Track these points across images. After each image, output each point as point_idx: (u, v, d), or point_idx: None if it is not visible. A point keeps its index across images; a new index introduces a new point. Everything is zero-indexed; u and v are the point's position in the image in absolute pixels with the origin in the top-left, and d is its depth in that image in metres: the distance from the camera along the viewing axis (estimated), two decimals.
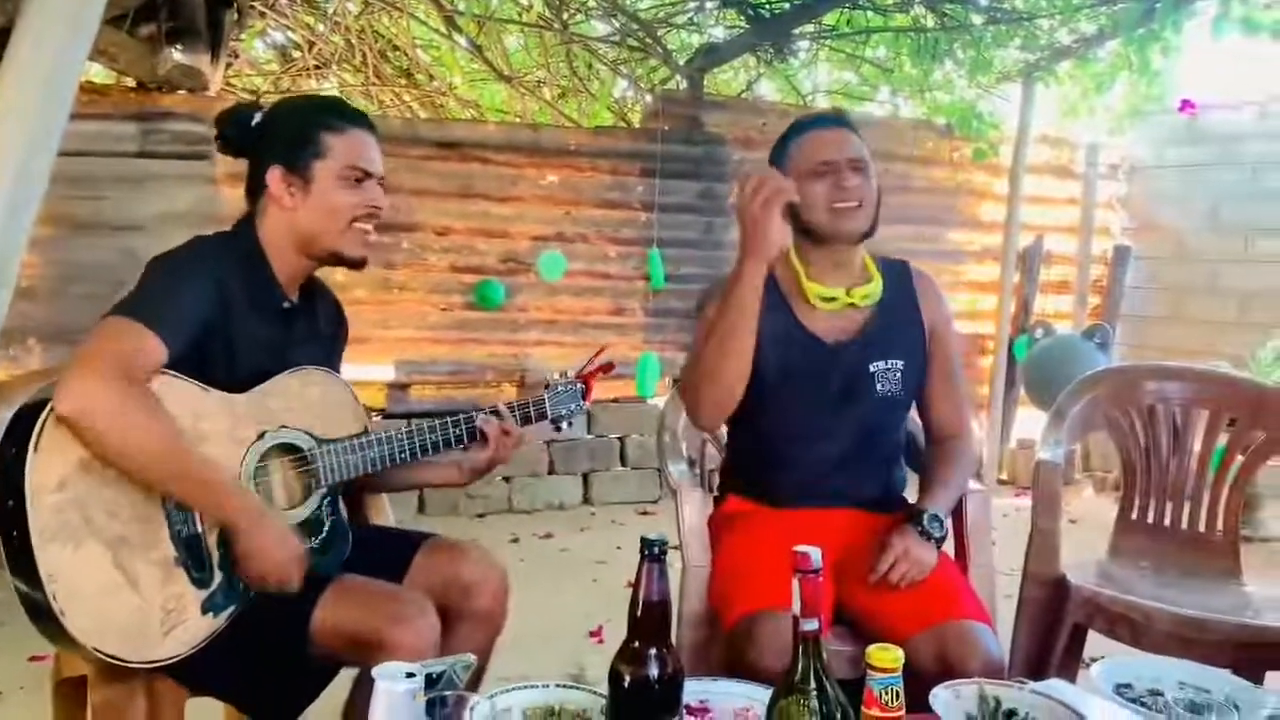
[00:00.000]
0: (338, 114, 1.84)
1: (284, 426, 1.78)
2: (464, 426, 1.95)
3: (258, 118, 1.82)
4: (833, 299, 2.08)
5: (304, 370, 1.83)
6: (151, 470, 1.58)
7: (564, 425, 2.07)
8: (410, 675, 1.26)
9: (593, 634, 3.28)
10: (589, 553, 4.39)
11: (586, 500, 5.48)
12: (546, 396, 2.03)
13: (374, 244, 1.86)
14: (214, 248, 1.76)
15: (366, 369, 5.19)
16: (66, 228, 4.53)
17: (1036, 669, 2.24)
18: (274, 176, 1.77)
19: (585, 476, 5.49)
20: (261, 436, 1.74)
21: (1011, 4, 5.80)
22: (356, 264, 1.85)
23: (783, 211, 1.88)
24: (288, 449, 1.79)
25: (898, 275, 2.17)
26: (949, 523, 2.03)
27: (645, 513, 5.26)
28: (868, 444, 2.12)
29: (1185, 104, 6.57)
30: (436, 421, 1.93)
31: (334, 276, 5.35)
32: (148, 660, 1.58)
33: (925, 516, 1.96)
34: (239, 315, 1.73)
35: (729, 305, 1.92)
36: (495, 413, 1.97)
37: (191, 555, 1.63)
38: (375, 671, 1.26)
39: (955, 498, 2.09)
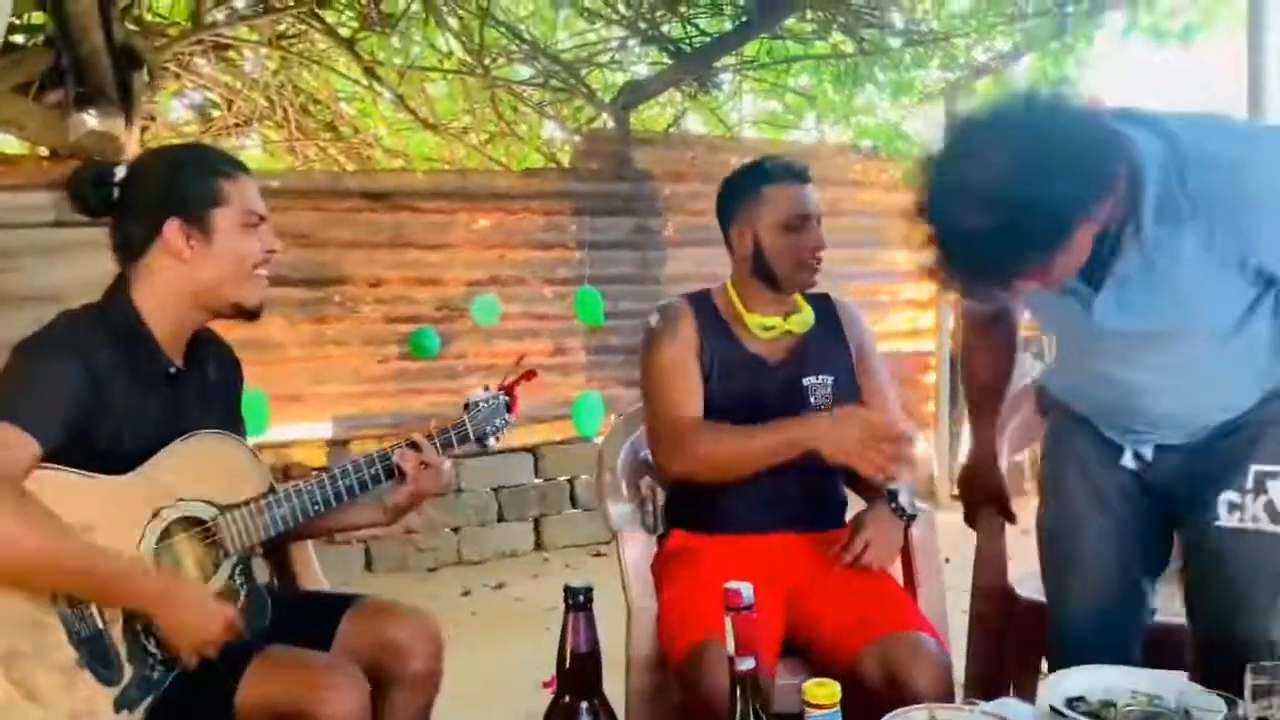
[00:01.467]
0: (225, 161, 1.77)
1: (180, 499, 1.67)
2: (379, 465, 1.85)
3: (120, 173, 1.71)
4: (772, 327, 2.19)
5: (195, 437, 1.72)
6: (39, 576, 1.49)
7: (490, 443, 1.98)
8: None
9: (546, 684, 3.20)
10: (542, 600, 4.30)
11: (539, 546, 5.40)
12: (466, 417, 1.95)
13: (268, 292, 1.79)
14: (80, 323, 1.65)
15: (304, 427, 5.08)
16: None
17: (992, 686, 2.20)
18: (172, 228, 1.66)
19: (536, 521, 5.41)
20: (157, 514, 1.63)
21: (928, 26, 5.90)
22: (254, 314, 1.77)
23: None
24: (190, 522, 1.69)
25: (823, 305, 2.32)
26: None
27: (599, 554, 5.18)
28: (803, 459, 2.07)
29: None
30: (349, 464, 1.84)
31: (268, 333, 5.24)
32: None
33: (897, 493, 2.02)
34: (118, 390, 1.61)
35: (767, 452, 1.99)
36: (412, 445, 1.88)
37: (95, 654, 1.54)
38: None
39: (914, 484, 2.15)
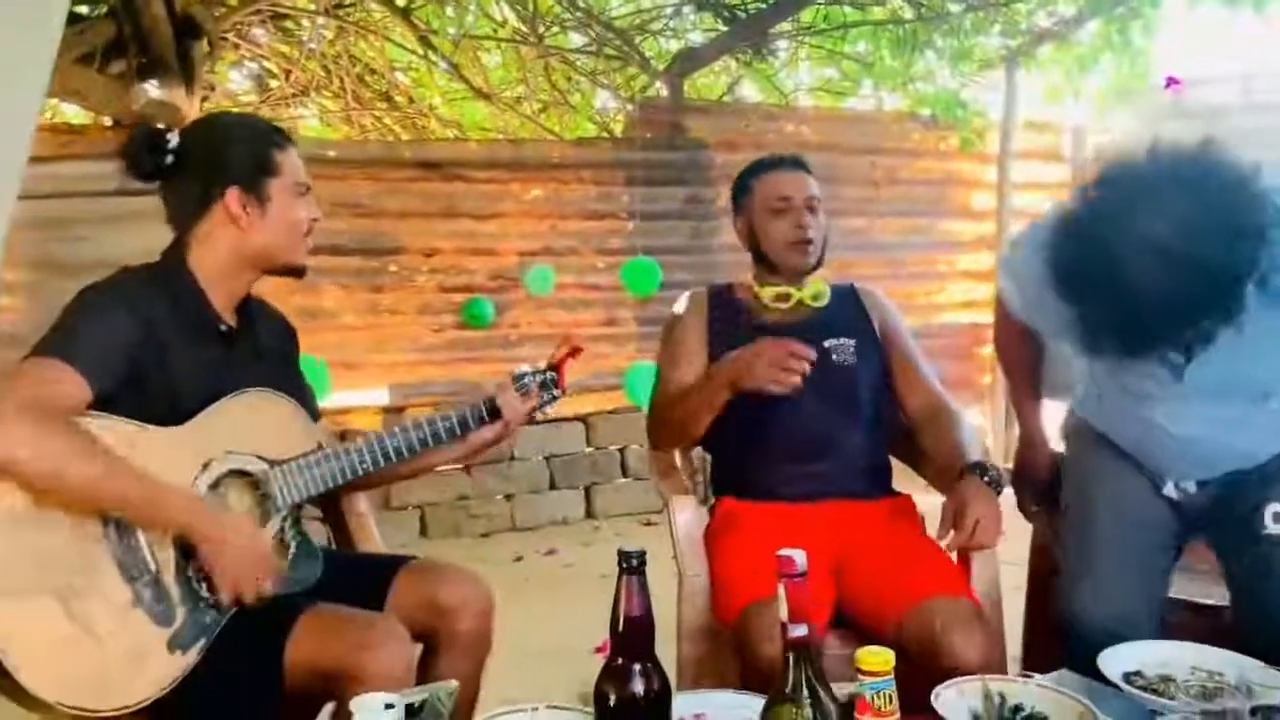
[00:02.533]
0: (276, 131, 1.83)
1: (230, 452, 1.71)
2: (427, 429, 1.90)
3: (174, 140, 1.75)
4: (786, 296, 2.27)
5: (245, 394, 1.76)
6: (92, 499, 1.53)
7: (539, 414, 2.03)
8: (389, 706, 1.21)
9: (599, 649, 3.22)
10: (593, 567, 4.33)
11: (590, 514, 5.43)
12: (512, 384, 1.99)
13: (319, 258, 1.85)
14: (139, 279, 1.71)
15: (360, 394, 5.16)
16: (48, 271, 4.49)
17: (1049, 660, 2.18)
18: (232, 196, 1.72)
19: (587, 490, 5.45)
20: (207, 466, 1.68)
21: None
22: (302, 271, 1.85)
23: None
24: (239, 475, 1.74)
25: (845, 292, 2.38)
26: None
27: (650, 523, 5.20)
28: (837, 417, 2.18)
29: (1170, 80, 6.52)
30: (402, 426, 1.88)
31: (323, 303, 5.32)
32: (118, 707, 1.52)
33: (985, 465, 1.98)
34: (172, 346, 1.67)
35: (703, 402, 2.11)
36: (482, 410, 1.96)
37: (149, 593, 1.58)
38: (353, 704, 1.21)
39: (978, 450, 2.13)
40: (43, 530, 1.51)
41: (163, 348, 1.65)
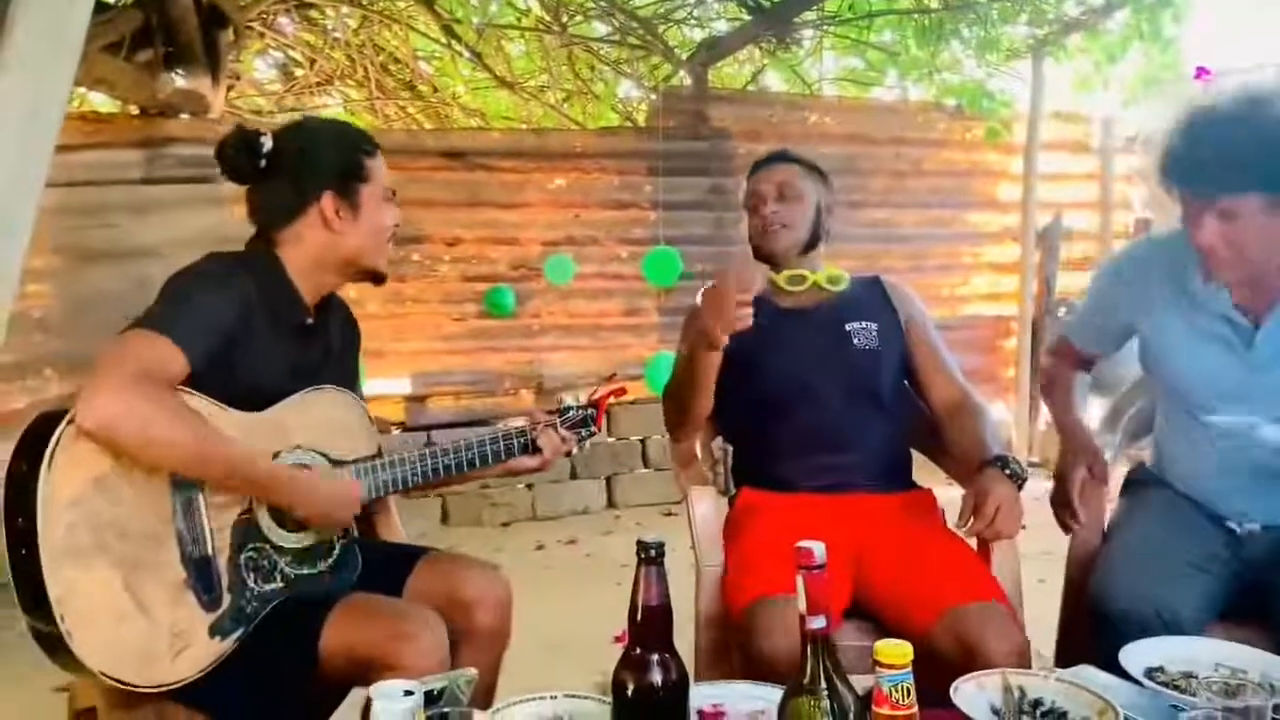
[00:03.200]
0: (367, 139, 1.88)
1: (298, 446, 1.76)
2: (475, 451, 1.94)
3: (268, 143, 1.80)
4: (802, 279, 2.28)
5: (321, 390, 1.82)
6: (185, 467, 1.58)
7: (574, 450, 2.07)
8: (409, 693, 1.22)
9: (618, 639, 3.23)
10: (614, 556, 4.34)
11: (610, 504, 5.44)
12: (558, 421, 2.03)
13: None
14: (234, 263, 1.75)
15: (383, 383, 5.18)
16: (77, 258, 4.55)
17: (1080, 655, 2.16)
18: (328, 201, 1.78)
19: (608, 480, 5.46)
20: (276, 456, 1.72)
21: None
22: (383, 278, 1.92)
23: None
24: (299, 470, 1.76)
25: (869, 283, 2.37)
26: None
27: (670, 514, 5.21)
28: (859, 404, 2.17)
29: (1200, 70, 6.43)
30: (454, 444, 1.92)
31: (347, 292, 5.37)
32: (156, 684, 1.55)
33: (1007, 458, 1.98)
34: (261, 332, 1.72)
35: (686, 372, 2.11)
36: (529, 438, 1.99)
37: (201, 577, 1.61)
38: (372, 690, 1.22)
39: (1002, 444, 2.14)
40: (120, 501, 1.54)
41: (252, 333, 1.70)
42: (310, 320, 1.84)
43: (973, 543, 2.05)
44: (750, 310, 1.96)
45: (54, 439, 1.48)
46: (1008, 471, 1.94)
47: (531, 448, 1.99)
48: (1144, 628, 1.75)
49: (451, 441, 1.92)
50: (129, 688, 1.53)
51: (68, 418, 1.49)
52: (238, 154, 1.79)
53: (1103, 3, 5.78)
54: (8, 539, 1.50)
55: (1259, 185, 1.66)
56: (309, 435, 1.78)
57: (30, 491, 1.46)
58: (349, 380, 1.95)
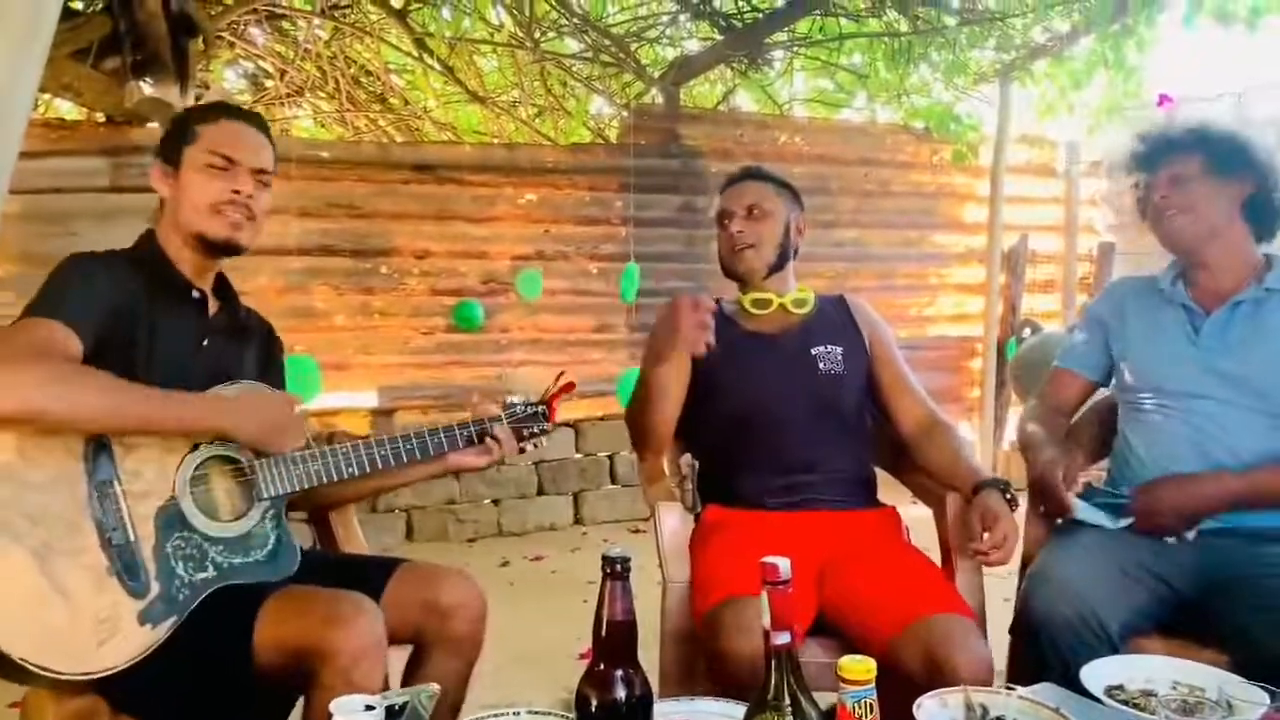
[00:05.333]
0: (219, 109, 1.89)
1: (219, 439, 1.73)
2: (414, 442, 1.91)
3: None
4: (768, 302, 2.29)
5: (239, 384, 1.80)
6: (113, 420, 1.58)
7: (528, 447, 2.04)
8: (370, 708, 1.21)
9: (583, 655, 3.22)
10: (580, 573, 4.33)
11: (578, 520, 5.43)
12: (504, 415, 2.01)
13: (245, 230, 1.84)
14: (114, 252, 1.79)
15: (349, 396, 5.15)
16: (40, 265, 4.40)
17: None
18: (155, 169, 1.83)
19: (575, 496, 5.44)
20: (195, 448, 1.70)
21: (984, 4, 5.79)
22: (224, 247, 1.83)
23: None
24: (226, 461, 1.75)
25: (834, 302, 2.38)
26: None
27: (638, 530, 5.21)
28: (824, 427, 2.18)
29: (1163, 98, 6.55)
30: (391, 437, 1.89)
31: (314, 303, 5.31)
32: (82, 672, 1.51)
33: (1003, 482, 1.99)
34: (151, 304, 1.74)
35: (653, 385, 2.11)
36: (473, 430, 1.98)
37: (125, 564, 1.58)
38: (333, 706, 1.21)
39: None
40: (30, 486, 1.52)
41: (140, 309, 1.72)
42: (199, 291, 1.84)
43: (935, 559, 2.06)
44: (707, 335, 1.97)
45: None
46: (1007, 496, 1.96)
47: (479, 439, 1.97)
48: (1071, 634, 1.79)
49: (388, 435, 1.90)
50: (56, 675, 1.49)
51: None
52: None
53: (1068, 30, 5.88)
54: None
55: (1200, 152, 2.03)
56: None
57: None
58: (271, 377, 1.94)
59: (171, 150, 1.82)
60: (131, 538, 1.60)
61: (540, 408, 2.06)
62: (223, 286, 1.93)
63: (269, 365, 1.99)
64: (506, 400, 2.04)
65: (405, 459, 1.90)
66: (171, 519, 1.65)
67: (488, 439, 1.98)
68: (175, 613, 1.61)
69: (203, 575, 1.66)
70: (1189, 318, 2.10)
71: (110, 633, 1.54)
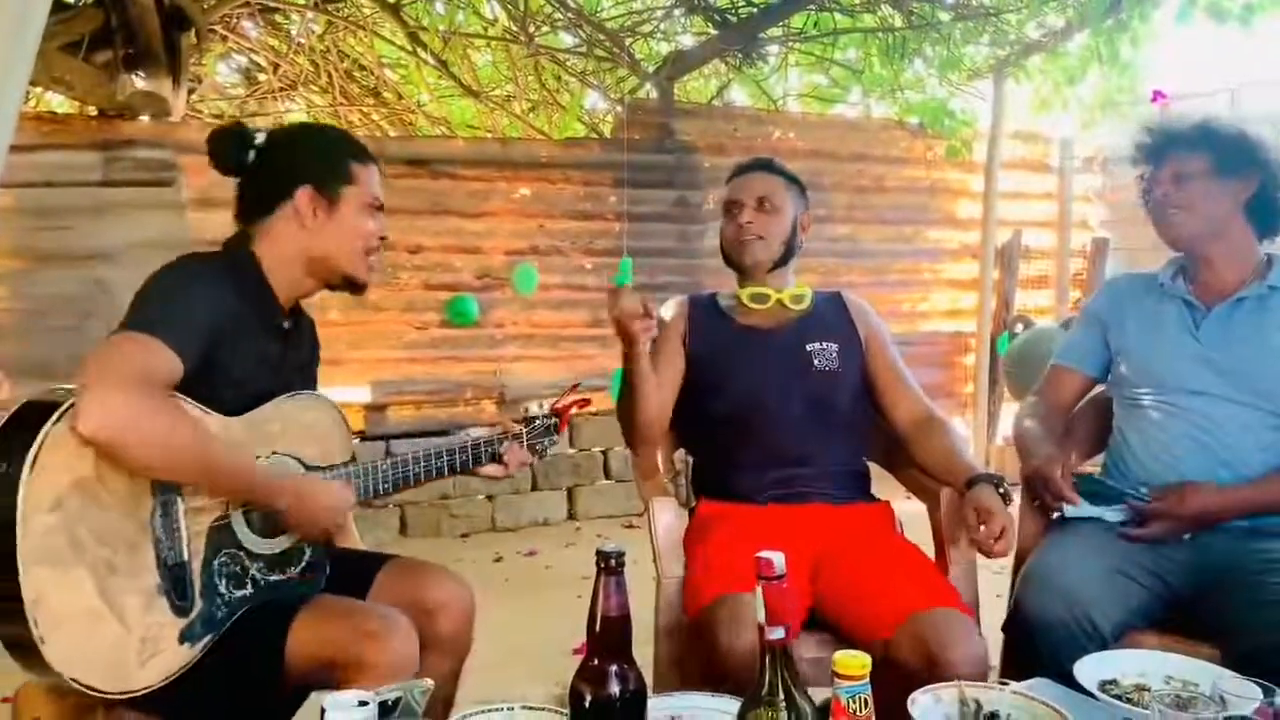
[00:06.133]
0: (361, 148, 1.88)
1: (275, 452, 1.74)
2: (457, 458, 1.95)
3: (261, 138, 1.81)
4: (765, 297, 2.27)
5: (299, 395, 1.81)
6: (184, 476, 1.57)
7: (539, 457, 2.09)
8: (363, 703, 1.21)
9: (577, 650, 3.21)
10: (574, 569, 4.32)
11: (571, 515, 5.42)
12: (525, 431, 2.04)
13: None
14: (214, 263, 1.74)
15: (342, 391, 5.12)
16: (32, 260, 4.47)
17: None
18: (305, 194, 1.76)
19: (569, 491, 5.43)
20: (255, 459, 1.70)
21: (979, 0, 5.80)
22: (362, 287, 1.88)
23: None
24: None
25: (830, 298, 2.37)
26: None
27: (631, 525, 5.20)
28: (818, 423, 2.18)
29: (1157, 94, 6.57)
30: (425, 451, 1.92)
31: (306, 299, 5.30)
32: (124, 691, 1.52)
33: (997, 477, 1.99)
34: (242, 334, 1.70)
35: (629, 382, 2.11)
36: (495, 449, 2.00)
37: (175, 583, 1.58)
38: (325, 701, 1.20)
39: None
40: (99, 504, 1.51)
41: (233, 333, 1.67)
42: (287, 323, 1.83)
43: (928, 554, 2.07)
44: (647, 323, 1.97)
45: (40, 438, 1.44)
46: (1001, 491, 1.96)
47: (498, 458, 2.00)
48: (1064, 634, 1.79)
49: (423, 450, 1.92)
50: (97, 694, 1.49)
51: (55, 416, 1.45)
52: (228, 142, 1.80)
53: (1063, 26, 5.88)
54: None
55: (1205, 149, 2.03)
56: (287, 441, 1.76)
57: (9, 494, 1.42)
58: (313, 386, 1.94)
59: (327, 184, 1.78)
60: (185, 556, 1.60)
61: (554, 420, 2.10)
62: (297, 309, 1.91)
63: (313, 358, 1.99)
64: (526, 411, 2.08)
65: (435, 476, 1.93)
66: (221, 536, 1.66)
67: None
68: (212, 631, 1.63)
69: (241, 593, 1.67)
70: (1190, 313, 2.10)
71: (152, 652, 1.54)
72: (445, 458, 1.93)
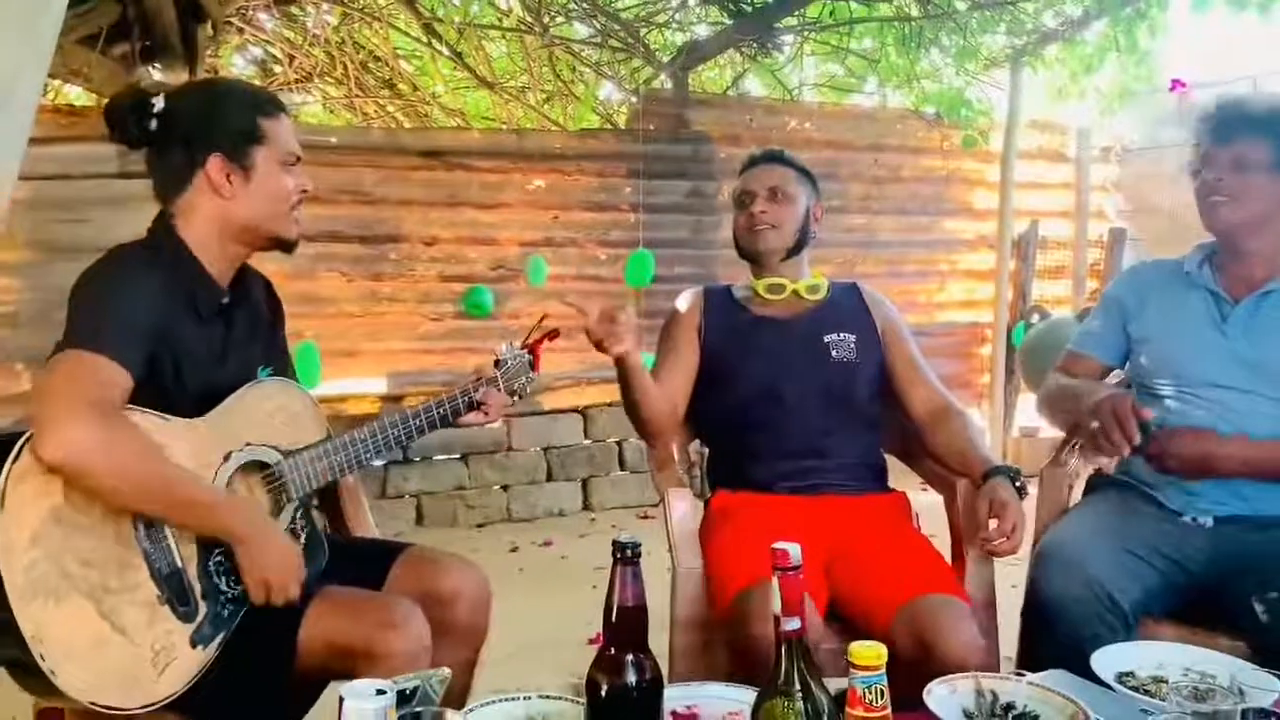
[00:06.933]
0: (265, 99, 1.78)
1: (248, 444, 1.71)
2: (435, 413, 1.91)
3: (159, 104, 1.71)
4: (781, 288, 2.27)
5: (259, 384, 1.77)
6: (147, 502, 1.52)
7: (518, 398, 2.05)
8: (381, 692, 1.21)
9: (592, 641, 3.23)
10: (589, 559, 4.33)
11: (586, 506, 5.43)
12: (499, 374, 1.99)
13: (301, 224, 1.82)
14: (138, 257, 1.66)
15: (358, 382, 5.15)
16: (49, 252, 4.49)
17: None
18: (215, 164, 1.67)
19: (584, 482, 5.45)
20: (227, 458, 1.67)
21: None
22: (292, 245, 1.80)
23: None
24: (256, 466, 1.73)
25: (847, 289, 2.37)
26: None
27: (646, 516, 5.21)
28: (835, 415, 2.18)
29: (1175, 83, 6.52)
30: (402, 414, 1.89)
31: (323, 290, 5.31)
32: (146, 705, 1.52)
33: (1013, 470, 1.98)
34: (179, 320, 1.65)
35: (622, 381, 2.09)
36: (471, 397, 1.96)
37: (174, 590, 1.57)
38: (343, 690, 1.21)
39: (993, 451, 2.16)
40: (80, 530, 1.49)
41: (172, 326, 1.63)
42: (226, 298, 1.76)
43: (945, 545, 2.06)
44: (621, 332, 1.96)
45: (3, 476, 1.41)
46: (1017, 485, 1.95)
47: (476, 405, 1.96)
48: (1082, 609, 1.78)
49: (398, 413, 1.88)
50: (121, 712, 1.49)
51: (13, 454, 1.42)
52: (126, 114, 1.70)
53: (1080, 14, 5.84)
54: None
55: (1270, 138, 1.95)
56: (257, 431, 1.72)
57: None
58: (280, 354, 1.90)
59: (238, 149, 1.69)
60: (179, 563, 1.58)
61: (527, 357, 2.06)
62: (241, 279, 1.83)
63: (273, 320, 1.93)
64: (499, 354, 2.03)
65: (417, 435, 1.90)
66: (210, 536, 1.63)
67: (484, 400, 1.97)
68: (223, 629, 1.62)
69: (243, 586, 1.65)
70: (1216, 305, 2.06)
71: (167, 661, 1.54)
72: (424, 415, 1.90)
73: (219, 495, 1.62)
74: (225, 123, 1.70)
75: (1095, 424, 1.94)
